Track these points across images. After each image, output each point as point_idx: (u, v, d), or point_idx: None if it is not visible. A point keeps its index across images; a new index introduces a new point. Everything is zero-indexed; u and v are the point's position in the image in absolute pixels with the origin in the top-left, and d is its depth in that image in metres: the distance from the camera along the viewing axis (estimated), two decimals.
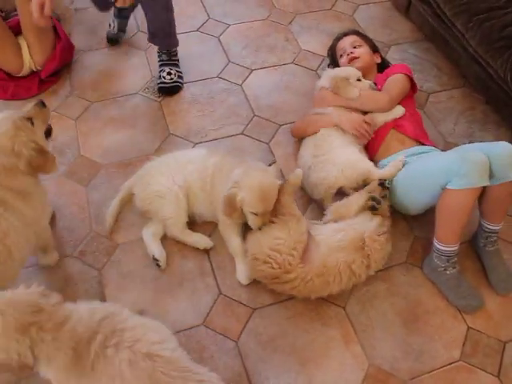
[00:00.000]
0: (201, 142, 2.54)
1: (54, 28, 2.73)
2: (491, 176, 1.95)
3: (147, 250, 2.11)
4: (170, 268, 2.10)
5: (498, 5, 2.57)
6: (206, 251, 2.15)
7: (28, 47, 2.70)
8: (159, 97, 2.75)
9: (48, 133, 1.96)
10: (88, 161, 2.44)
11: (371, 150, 2.34)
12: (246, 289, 2.05)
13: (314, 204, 2.30)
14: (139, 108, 2.70)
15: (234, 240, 2.09)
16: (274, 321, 1.98)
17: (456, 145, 2.52)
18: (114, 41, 2.99)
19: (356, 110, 2.35)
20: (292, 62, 2.98)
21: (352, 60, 2.51)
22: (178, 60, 2.82)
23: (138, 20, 3.14)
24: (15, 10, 2.69)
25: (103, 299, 1.99)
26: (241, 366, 1.86)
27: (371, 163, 2.18)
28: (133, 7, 2.88)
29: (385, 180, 2.12)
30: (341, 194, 2.16)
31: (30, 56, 2.70)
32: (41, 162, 1.78)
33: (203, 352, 1.89)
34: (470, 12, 2.62)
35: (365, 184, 2.14)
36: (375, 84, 2.42)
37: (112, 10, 2.92)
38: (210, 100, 2.75)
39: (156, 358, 1.42)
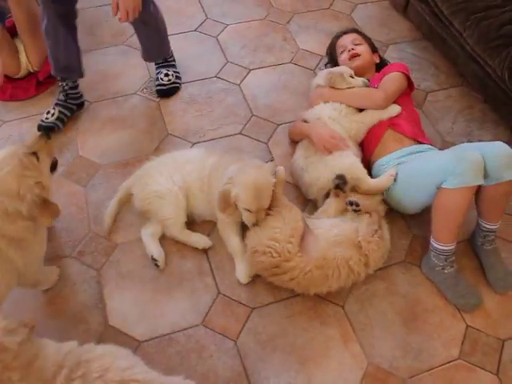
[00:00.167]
0: (199, 142, 2.54)
1: None
2: (486, 176, 1.95)
3: (146, 250, 2.11)
4: (168, 268, 2.10)
5: (496, 3, 2.58)
6: (205, 251, 2.15)
7: (24, 48, 2.70)
8: (157, 97, 2.75)
9: (53, 167, 1.86)
10: (86, 161, 2.44)
11: (368, 149, 2.34)
12: (245, 288, 2.05)
13: (311, 205, 2.30)
14: (137, 108, 2.70)
15: (232, 239, 2.09)
16: (273, 320, 1.98)
17: (454, 144, 2.52)
18: (48, 127, 2.50)
19: (352, 118, 2.34)
20: (290, 62, 2.98)
21: (353, 57, 2.51)
22: (174, 60, 2.82)
23: None
24: (10, 12, 2.69)
25: (102, 299, 2.00)
26: (240, 365, 1.86)
27: (364, 170, 2.16)
28: (81, 104, 2.64)
29: (354, 201, 2.08)
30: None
31: (27, 57, 2.70)
32: (40, 212, 1.64)
33: (202, 352, 1.89)
34: (468, 11, 2.62)
35: None
36: (368, 80, 2.42)
37: (58, 97, 2.60)
38: (208, 100, 2.75)
39: (132, 383, 1.37)
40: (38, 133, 1.83)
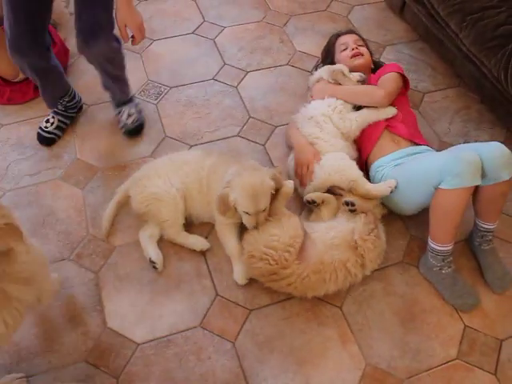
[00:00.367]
0: (196, 145, 2.55)
1: (49, 33, 2.73)
2: (484, 176, 1.96)
3: (144, 252, 2.11)
4: (166, 270, 2.10)
5: (492, 4, 2.58)
6: (203, 253, 2.15)
7: None
8: (155, 99, 2.75)
9: None
10: (84, 164, 2.45)
11: (365, 150, 2.35)
12: (243, 290, 2.05)
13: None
14: None
15: (230, 241, 2.09)
16: (271, 321, 1.98)
17: (451, 144, 2.53)
18: (48, 138, 2.52)
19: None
20: (287, 64, 2.99)
21: (356, 55, 2.52)
22: (133, 95, 2.64)
23: None
24: None
25: (100, 302, 2.00)
26: (238, 366, 1.87)
27: (360, 173, 2.15)
28: (80, 108, 2.63)
29: (350, 201, 2.08)
30: (330, 192, 2.17)
31: None
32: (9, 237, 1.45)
33: (201, 353, 1.89)
34: (464, 12, 2.63)
35: None
36: (364, 74, 2.44)
37: (58, 106, 2.54)
38: (205, 102, 2.76)
39: None
40: None
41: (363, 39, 2.67)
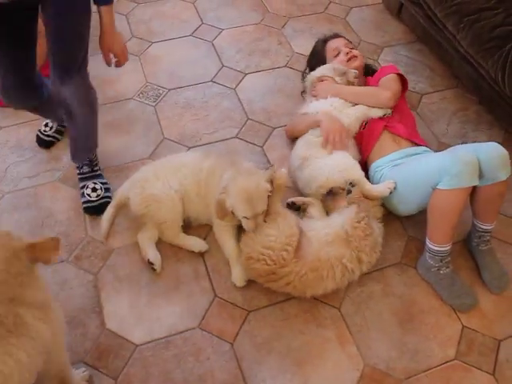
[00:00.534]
0: (195, 146, 2.55)
1: (39, 71, 2.71)
2: (481, 176, 1.96)
3: (142, 254, 2.11)
4: (165, 271, 2.10)
5: (488, 5, 2.59)
6: (201, 254, 2.16)
7: None
8: (154, 101, 2.76)
9: None
10: None
11: (364, 150, 2.35)
12: (241, 291, 2.06)
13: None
14: (134, 113, 2.71)
15: (228, 242, 2.10)
16: (269, 323, 1.98)
17: (449, 145, 2.53)
18: (48, 141, 2.51)
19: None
20: (285, 66, 3.00)
21: (351, 58, 2.53)
22: (99, 168, 2.40)
23: (132, 25, 3.16)
24: None
25: (99, 303, 2.00)
26: (237, 367, 1.87)
27: (362, 173, 2.16)
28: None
29: (352, 185, 2.10)
30: (331, 194, 2.17)
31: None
32: (39, 254, 1.34)
33: (199, 354, 1.89)
34: (461, 13, 2.64)
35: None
36: (357, 71, 2.48)
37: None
38: (203, 104, 2.77)
39: None
40: None
41: (349, 41, 2.68)
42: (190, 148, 2.55)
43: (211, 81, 2.89)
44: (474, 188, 2.00)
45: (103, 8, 1.89)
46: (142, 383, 1.82)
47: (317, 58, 2.67)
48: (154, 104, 2.75)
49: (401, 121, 2.35)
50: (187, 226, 2.20)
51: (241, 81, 2.90)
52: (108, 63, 2.06)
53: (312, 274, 1.92)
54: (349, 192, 2.08)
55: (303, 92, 2.72)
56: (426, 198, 2.03)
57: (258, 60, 3.02)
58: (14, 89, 2.07)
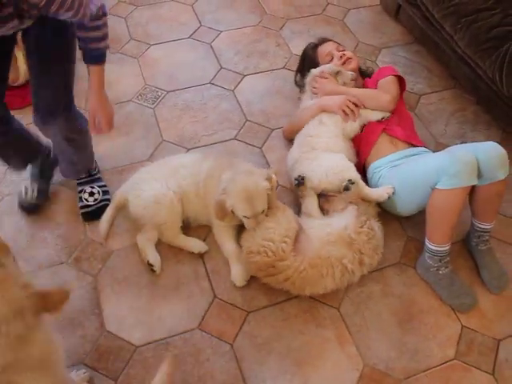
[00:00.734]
0: (194, 148, 2.56)
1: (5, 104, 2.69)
2: (480, 176, 1.97)
3: (142, 255, 2.12)
4: (164, 273, 2.11)
5: (486, 6, 2.60)
6: (201, 255, 2.16)
7: (23, 57, 2.71)
8: (153, 103, 2.77)
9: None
10: None
11: (363, 152, 2.36)
12: (241, 292, 2.06)
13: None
14: (133, 115, 2.71)
15: (228, 243, 2.10)
16: (269, 323, 1.99)
17: (447, 146, 2.53)
18: (32, 208, 2.26)
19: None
20: (283, 67, 3.00)
21: (347, 60, 2.54)
22: (99, 171, 2.38)
23: (130, 27, 3.16)
24: None
25: (98, 305, 2.01)
26: (236, 368, 1.87)
27: (358, 175, 2.15)
28: (55, 163, 2.34)
29: (351, 182, 2.10)
30: (322, 195, 2.19)
31: (26, 65, 2.71)
32: (45, 307, 1.28)
33: (199, 355, 1.89)
34: (458, 14, 2.64)
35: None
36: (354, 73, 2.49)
37: (28, 171, 2.28)
38: (202, 106, 2.77)
39: None
40: None
41: (338, 43, 2.69)
42: (188, 150, 2.55)
43: (210, 83, 2.90)
44: (473, 188, 2.00)
45: (91, 67, 1.80)
46: None
47: (308, 65, 2.63)
48: (152, 106, 2.76)
49: (399, 123, 2.36)
50: (187, 227, 2.20)
51: (239, 82, 2.90)
52: (91, 130, 1.93)
53: (311, 271, 1.92)
54: (346, 189, 2.08)
55: (300, 98, 2.69)
56: (425, 198, 2.03)
57: (257, 62, 3.02)
58: None
